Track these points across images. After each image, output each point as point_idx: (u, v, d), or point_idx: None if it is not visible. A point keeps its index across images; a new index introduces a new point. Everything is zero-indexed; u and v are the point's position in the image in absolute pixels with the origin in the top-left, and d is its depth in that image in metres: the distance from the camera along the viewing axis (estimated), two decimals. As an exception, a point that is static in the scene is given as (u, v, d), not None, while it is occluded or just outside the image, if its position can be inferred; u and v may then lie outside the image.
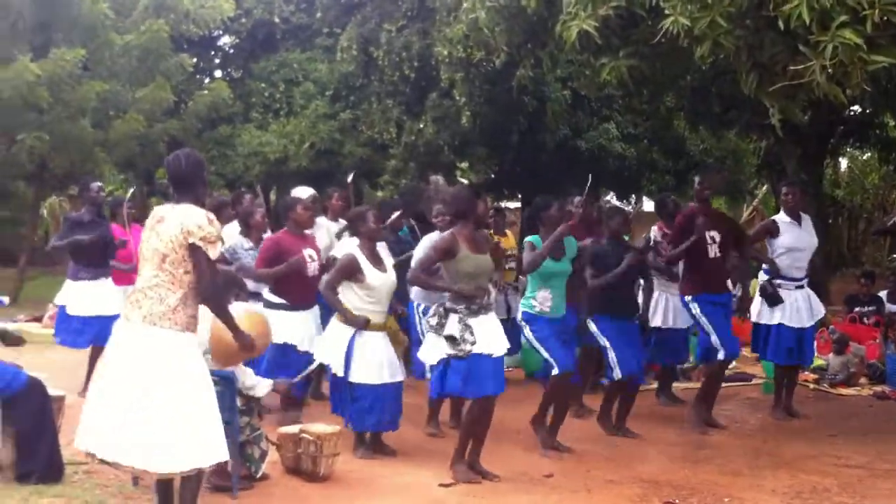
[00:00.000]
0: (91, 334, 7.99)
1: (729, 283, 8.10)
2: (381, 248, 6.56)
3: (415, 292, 7.33)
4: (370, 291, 6.20)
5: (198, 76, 20.47)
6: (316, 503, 5.24)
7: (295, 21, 20.33)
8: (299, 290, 6.81)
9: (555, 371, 6.45)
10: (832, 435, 7.44)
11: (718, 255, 7.50)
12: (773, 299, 7.88)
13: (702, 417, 7.58)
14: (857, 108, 14.24)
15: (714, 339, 7.42)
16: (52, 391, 5.56)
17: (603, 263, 6.98)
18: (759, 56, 6.18)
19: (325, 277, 6.62)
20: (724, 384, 8.99)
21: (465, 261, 5.75)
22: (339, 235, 7.98)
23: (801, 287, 7.99)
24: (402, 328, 7.27)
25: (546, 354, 6.48)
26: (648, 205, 27.91)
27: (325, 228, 8.05)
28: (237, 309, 5.01)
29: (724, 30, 5.86)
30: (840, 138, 16.68)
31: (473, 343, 5.65)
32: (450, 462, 5.90)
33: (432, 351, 5.82)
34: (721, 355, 7.44)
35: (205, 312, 4.47)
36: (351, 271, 6.17)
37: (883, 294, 11.45)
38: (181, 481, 4.27)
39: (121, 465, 4.23)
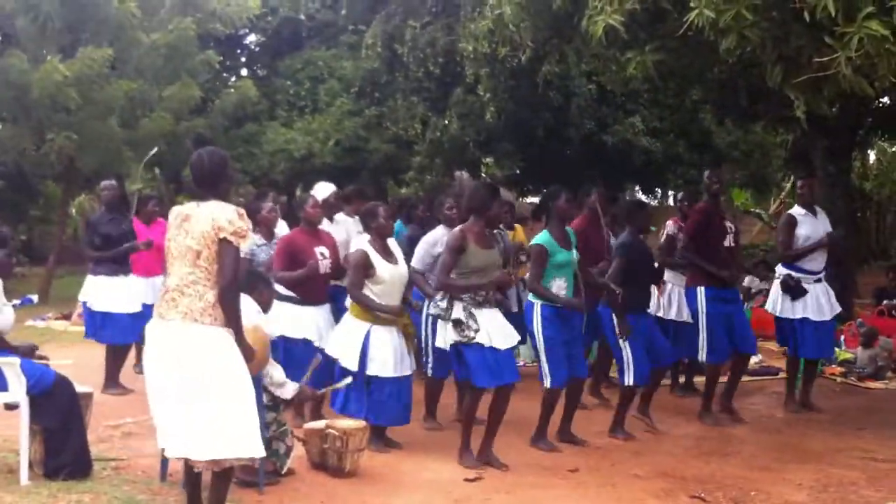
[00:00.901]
0: (113, 330, 8.12)
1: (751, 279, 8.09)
2: (392, 243, 6.57)
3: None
4: (382, 285, 6.25)
5: (224, 74, 20.60)
6: (342, 498, 5.26)
7: (320, 18, 20.42)
8: (311, 286, 6.80)
9: (546, 384, 6.46)
10: (860, 429, 7.39)
11: (733, 244, 7.57)
12: (795, 292, 7.86)
13: (712, 413, 7.61)
14: (885, 99, 14.06)
15: (703, 339, 7.46)
16: (80, 388, 5.63)
17: (634, 262, 6.92)
18: (784, 48, 6.15)
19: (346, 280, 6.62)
20: (750, 378, 9.01)
21: (473, 256, 5.92)
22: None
23: (819, 281, 7.98)
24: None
25: (544, 363, 6.43)
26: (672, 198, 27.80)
27: (343, 225, 8.05)
28: (249, 321, 5.03)
29: (750, 22, 5.83)
30: (868, 130, 16.48)
31: (477, 330, 5.82)
32: (458, 453, 6.06)
33: (443, 337, 6.01)
34: (703, 356, 7.51)
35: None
36: (364, 267, 6.22)
37: (912, 287, 11.35)
38: (213, 477, 4.30)
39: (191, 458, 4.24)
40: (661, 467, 6.11)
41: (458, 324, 5.83)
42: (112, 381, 8.10)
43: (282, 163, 18.43)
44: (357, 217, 8.26)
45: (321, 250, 6.90)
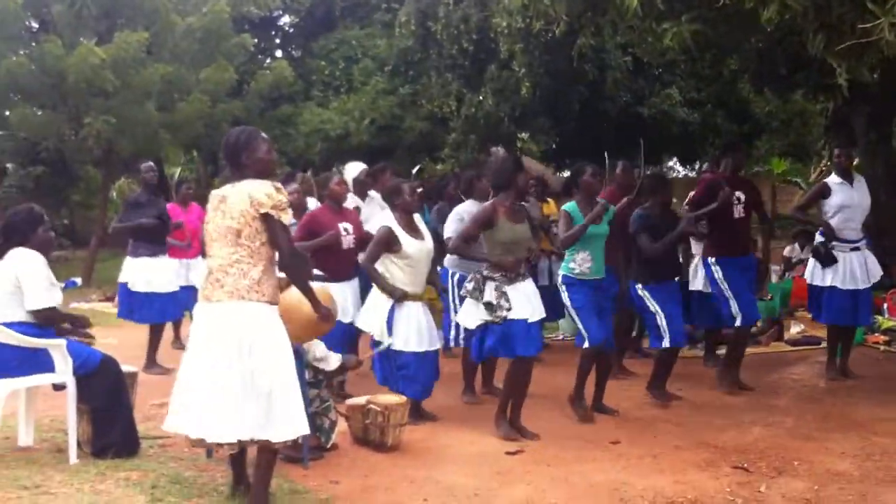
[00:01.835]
0: (151, 310, 8.28)
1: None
2: (417, 219, 6.62)
3: (449, 260, 7.45)
4: (409, 260, 6.30)
5: (259, 56, 20.71)
6: (385, 472, 5.31)
7: (353, -3, 20.43)
8: (335, 262, 6.89)
9: (585, 344, 6.54)
10: (904, 397, 7.31)
11: (743, 215, 7.54)
12: (826, 259, 7.85)
13: (730, 380, 7.60)
14: (929, 65, 13.82)
15: (733, 305, 7.40)
16: (126, 368, 5.72)
17: (657, 231, 6.95)
18: (826, 16, 6.04)
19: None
20: (792, 348, 8.94)
21: (502, 230, 5.94)
22: None
23: (857, 249, 7.91)
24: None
25: (579, 324, 6.54)
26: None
27: (376, 201, 8.10)
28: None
29: (792, -10, 5.73)
30: (911, 97, 16.22)
31: (509, 309, 5.87)
32: (494, 420, 6.14)
33: (470, 316, 6.04)
34: (739, 321, 7.44)
35: None
36: (388, 243, 6.28)
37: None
38: (259, 454, 4.35)
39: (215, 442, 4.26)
40: (702, 438, 6.09)
41: (489, 306, 5.88)
42: (151, 360, 8.25)
43: (318, 143, 18.52)
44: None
45: (345, 226, 7.02)
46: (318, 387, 5.65)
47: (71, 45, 15.10)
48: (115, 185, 20.34)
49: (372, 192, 8.21)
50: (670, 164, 25.64)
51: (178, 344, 9.46)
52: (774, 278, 12.99)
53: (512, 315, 5.88)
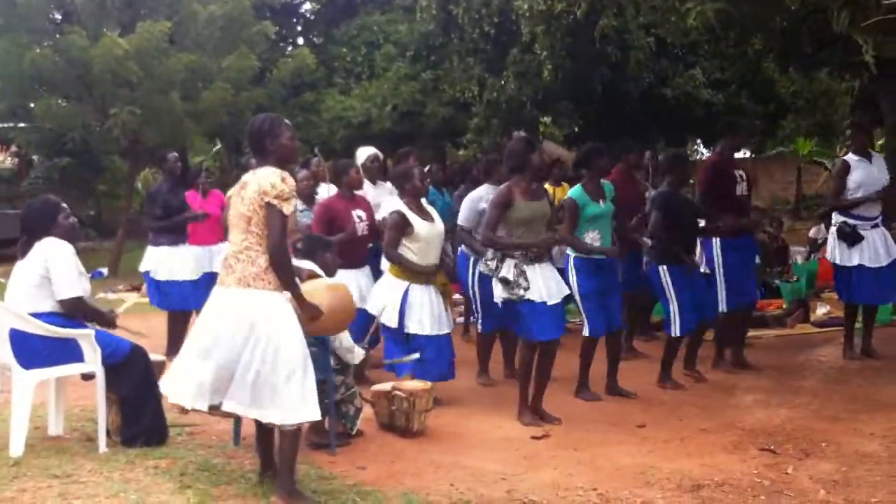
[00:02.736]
0: (172, 298, 8.39)
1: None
2: (425, 202, 6.70)
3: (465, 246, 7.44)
4: (420, 243, 6.37)
5: (281, 44, 20.72)
6: (411, 457, 5.33)
7: (374, -17, 20.39)
8: (349, 249, 6.87)
9: (585, 332, 6.59)
10: (934, 378, 7.25)
11: (746, 193, 7.57)
12: (852, 238, 7.83)
13: (732, 361, 7.71)
14: (957, 40, 13.64)
15: (720, 290, 7.47)
16: (154, 357, 5.76)
17: (671, 211, 6.97)
18: (851, -7, 5.99)
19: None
20: (818, 329, 8.89)
21: (520, 209, 5.95)
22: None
23: (877, 226, 7.92)
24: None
25: (582, 312, 6.58)
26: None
27: (387, 187, 8.12)
28: (320, 282, 5.10)
29: (815, -33, 5.68)
30: (939, 73, 16.00)
31: (527, 288, 5.86)
32: (517, 411, 6.13)
33: (496, 295, 6.07)
34: (722, 307, 7.49)
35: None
36: (402, 227, 6.35)
37: None
38: (281, 438, 4.39)
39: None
40: (728, 420, 6.07)
41: (506, 282, 5.89)
42: (174, 348, 8.30)
43: (340, 130, 18.54)
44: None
45: (358, 213, 7.10)
46: (344, 374, 5.67)
47: (95, 37, 15.16)
48: (140, 175, 20.48)
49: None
50: (694, 146, 25.50)
51: None
52: (800, 259, 12.90)
53: (530, 296, 5.88)
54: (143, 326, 8.51)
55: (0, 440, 5.17)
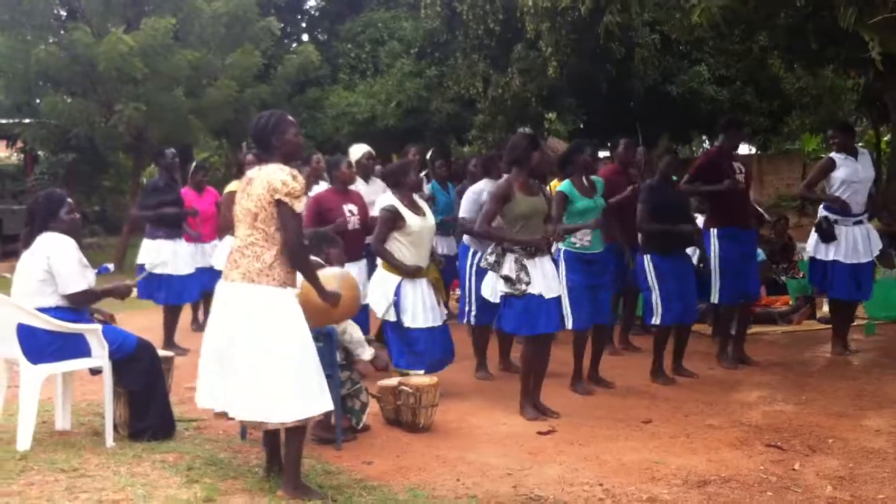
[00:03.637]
0: (168, 291, 8.45)
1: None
2: (417, 198, 6.80)
3: (468, 238, 7.53)
4: (412, 237, 6.46)
5: (285, 41, 20.72)
6: (418, 452, 5.33)
7: (379, -21, 20.38)
8: (345, 244, 6.92)
9: (569, 325, 6.65)
10: (940, 374, 7.24)
11: (743, 185, 7.63)
12: (826, 235, 7.95)
13: (734, 357, 7.74)
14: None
15: (714, 283, 7.55)
16: (161, 352, 5.78)
17: (657, 203, 7.06)
18: (857, -12, 5.97)
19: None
20: (826, 326, 8.91)
21: (519, 204, 6.02)
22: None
23: (860, 223, 7.97)
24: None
25: (567, 305, 6.59)
26: (743, 148, 27.29)
27: (379, 183, 8.14)
28: (326, 271, 5.11)
29: (820, -37, 5.67)
30: (945, 70, 15.98)
31: (528, 283, 5.93)
32: (519, 405, 6.20)
33: (492, 288, 6.21)
34: (715, 297, 7.59)
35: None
36: (393, 222, 6.44)
37: None
38: (286, 434, 4.40)
39: (239, 419, 4.42)
40: (734, 416, 6.08)
41: (508, 279, 5.97)
42: (169, 341, 8.36)
43: (345, 126, 18.54)
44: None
45: (350, 207, 7.19)
46: (350, 369, 5.68)
47: (99, 33, 15.19)
48: (145, 171, 20.46)
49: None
50: (699, 142, 25.49)
51: (197, 326, 9.69)
52: (806, 256, 12.86)
53: (532, 290, 5.95)
54: (146, 320, 8.60)
55: (8, 434, 5.19)
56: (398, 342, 6.46)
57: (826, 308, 10.00)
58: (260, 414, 4.25)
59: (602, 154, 21.50)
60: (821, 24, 11.29)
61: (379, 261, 6.68)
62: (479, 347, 7.53)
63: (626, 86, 16.79)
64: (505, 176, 6.31)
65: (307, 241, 5.74)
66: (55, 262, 5.10)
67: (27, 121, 16.99)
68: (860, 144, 8.37)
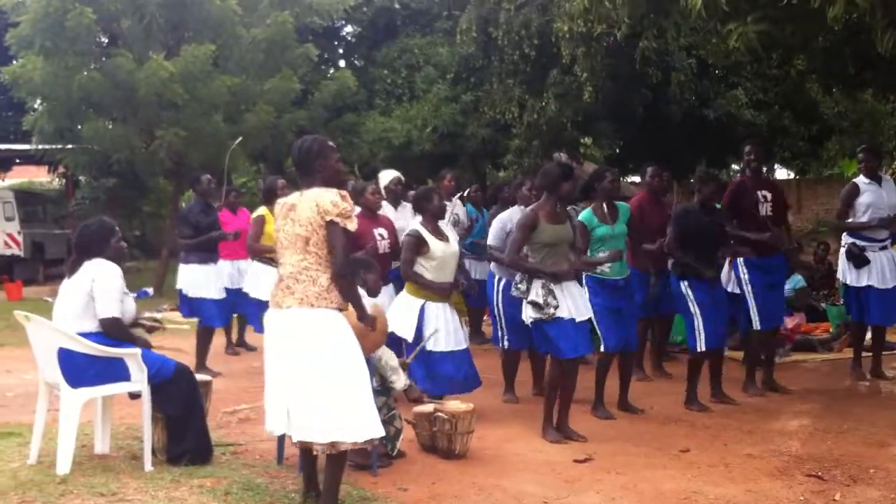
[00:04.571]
0: (202, 314, 8.60)
1: None
2: (444, 224, 6.90)
3: (494, 265, 7.58)
4: (435, 262, 6.55)
5: (322, 67, 20.90)
6: (454, 479, 5.32)
7: (415, 6, 20.53)
8: None
9: (601, 348, 6.74)
10: None
11: (770, 213, 7.58)
12: (859, 260, 7.93)
13: (763, 383, 7.71)
14: None
15: (752, 308, 7.51)
16: (200, 377, 5.82)
17: (688, 228, 7.04)
18: (895, 13, 5.92)
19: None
20: (868, 353, 8.79)
21: (544, 232, 6.10)
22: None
23: (885, 248, 7.99)
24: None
25: (598, 328, 6.69)
26: (780, 172, 27.06)
27: (408, 208, 8.19)
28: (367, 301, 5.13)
29: (859, -12, 5.63)
30: None
31: (556, 307, 5.98)
32: (541, 429, 6.24)
33: (524, 313, 6.21)
34: (756, 325, 7.53)
35: None
36: (417, 246, 6.55)
37: None
38: (328, 459, 4.40)
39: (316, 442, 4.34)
40: (774, 446, 6.00)
41: (535, 305, 6.02)
42: (201, 364, 8.44)
43: (381, 151, 18.63)
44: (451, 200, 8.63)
45: (380, 231, 7.29)
46: (386, 395, 5.68)
47: (140, 59, 15.42)
48: (184, 196, 20.71)
49: (404, 202, 8.37)
50: (736, 167, 25.32)
51: (231, 350, 9.88)
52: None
53: (560, 313, 6.00)
54: (185, 345, 8.68)
55: (48, 458, 5.24)
56: (421, 366, 6.48)
57: (868, 335, 9.90)
58: (336, 434, 4.25)
59: (636, 179, 21.54)
60: (858, 48, 11.19)
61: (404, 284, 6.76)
62: (508, 372, 7.58)
63: (663, 110, 16.73)
64: (532, 205, 6.36)
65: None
66: (97, 286, 5.17)
67: (69, 146, 17.24)
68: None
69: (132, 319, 5.53)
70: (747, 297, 7.55)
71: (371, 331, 4.80)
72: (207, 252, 8.71)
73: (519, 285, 6.18)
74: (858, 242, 7.98)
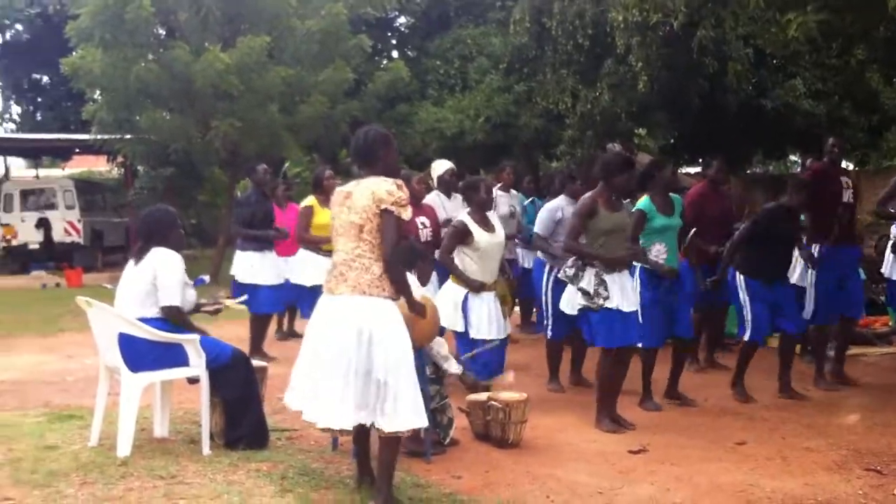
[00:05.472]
0: (255, 301, 8.58)
1: None
2: (492, 215, 6.87)
3: (541, 252, 7.62)
4: (479, 252, 6.57)
5: (376, 58, 20.96)
6: (507, 468, 5.33)
7: (467, -3, 20.50)
8: None
9: (640, 343, 6.64)
10: None
11: (852, 200, 7.52)
12: None
13: (832, 379, 7.61)
14: None
15: (809, 299, 7.49)
16: (256, 362, 5.90)
17: (767, 228, 6.95)
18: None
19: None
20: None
21: (603, 219, 6.09)
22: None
23: None
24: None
25: (642, 322, 6.58)
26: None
27: (460, 199, 8.21)
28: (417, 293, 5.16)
29: (922, -26, 5.52)
30: None
31: (607, 298, 5.99)
32: (595, 419, 6.25)
33: (570, 302, 6.21)
34: (807, 314, 7.47)
35: None
36: (461, 236, 6.58)
37: None
38: (382, 443, 4.44)
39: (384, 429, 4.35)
40: (833, 439, 5.91)
41: (585, 293, 6.02)
42: (256, 349, 8.54)
43: (434, 142, 18.65)
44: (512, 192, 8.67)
45: (422, 220, 7.33)
46: (439, 383, 5.71)
47: (197, 51, 15.62)
48: (239, 185, 20.96)
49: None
50: (794, 157, 24.94)
51: (281, 335, 10.22)
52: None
53: (608, 304, 5.99)
54: (241, 331, 8.80)
55: (108, 441, 5.35)
56: (465, 352, 6.51)
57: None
58: (400, 423, 4.29)
59: (690, 170, 21.32)
60: (921, 37, 10.97)
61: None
62: (552, 360, 7.60)
63: (719, 101, 16.51)
64: (589, 192, 6.31)
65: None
66: (161, 275, 5.27)
67: (128, 136, 17.53)
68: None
69: (192, 306, 5.62)
70: (808, 289, 7.52)
71: (421, 318, 4.81)
72: (264, 240, 8.82)
73: (568, 270, 6.17)
74: None
